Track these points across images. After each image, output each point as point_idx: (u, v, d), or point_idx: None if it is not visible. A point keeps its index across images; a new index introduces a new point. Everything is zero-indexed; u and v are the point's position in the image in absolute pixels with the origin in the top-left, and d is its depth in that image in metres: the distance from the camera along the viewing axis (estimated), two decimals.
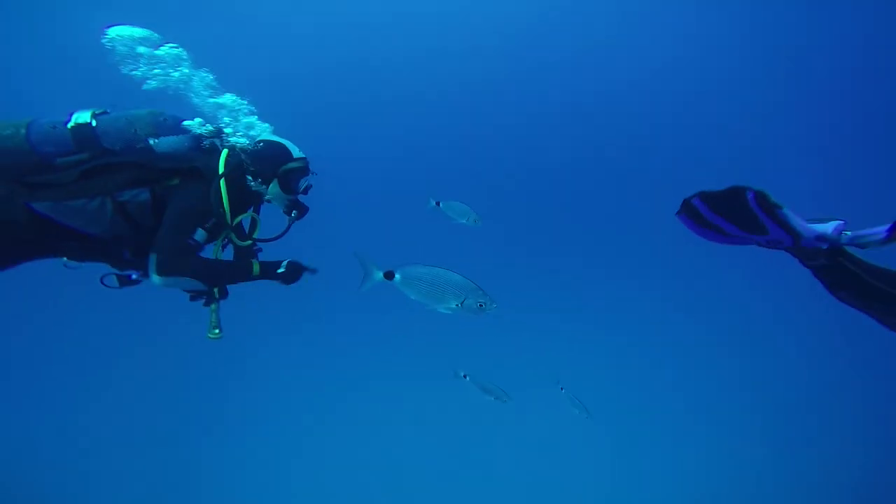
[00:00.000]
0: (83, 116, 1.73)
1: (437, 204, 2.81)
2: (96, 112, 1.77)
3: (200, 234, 1.81)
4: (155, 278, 1.72)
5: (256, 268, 1.90)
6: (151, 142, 1.76)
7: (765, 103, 9.54)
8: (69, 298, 7.00)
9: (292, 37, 8.92)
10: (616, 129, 9.89)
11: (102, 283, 1.92)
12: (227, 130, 1.96)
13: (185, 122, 1.88)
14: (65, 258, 1.87)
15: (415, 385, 6.67)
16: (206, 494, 5.37)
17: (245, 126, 2.00)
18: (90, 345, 7.19)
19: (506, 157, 9.96)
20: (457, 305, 1.66)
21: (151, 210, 1.79)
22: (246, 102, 2.01)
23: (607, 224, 9.71)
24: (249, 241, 2.03)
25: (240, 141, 1.97)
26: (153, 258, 1.71)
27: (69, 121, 1.72)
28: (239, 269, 1.91)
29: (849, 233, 1.09)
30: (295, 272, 1.96)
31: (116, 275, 1.95)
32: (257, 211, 2.08)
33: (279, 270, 1.93)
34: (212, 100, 1.95)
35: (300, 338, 7.85)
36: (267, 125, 2.05)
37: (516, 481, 5.51)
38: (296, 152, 2.02)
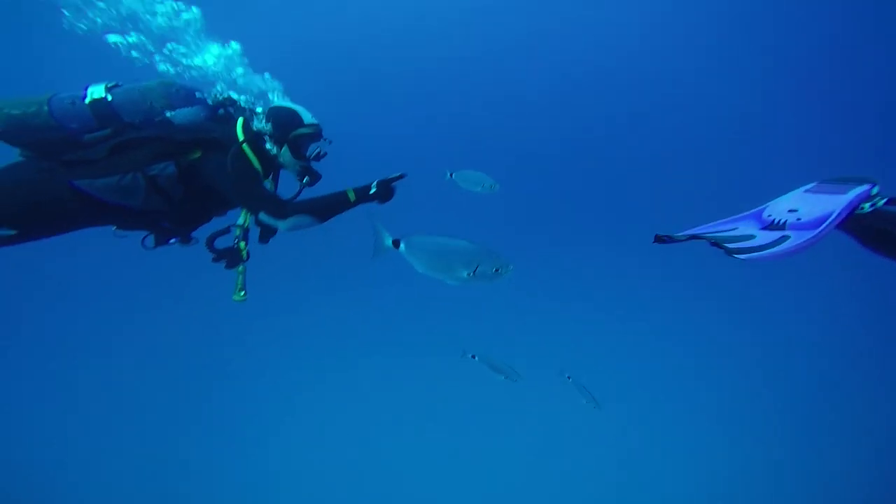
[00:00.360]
0: (98, 91, 1.79)
1: (451, 175, 2.69)
2: (108, 85, 1.81)
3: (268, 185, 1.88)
4: (281, 225, 1.82)
5: (352, 195, 1.93)
6: (168, 114, 1.83)
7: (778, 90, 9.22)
8: (67, 294, 7.09)
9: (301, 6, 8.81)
10: (634, 117, 9.66)
11: (143, 244, 2.01)
12: (238, 98, 1.99)
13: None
14: (114, 227, 1.95)
15: (417, 364, 6.66)
16: (203, 480, 5.44)
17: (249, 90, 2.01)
18: (86, 341, 7.14)
19: (517, 140, 9.76)
20: (468, 275, 1.54)
21: (179, 182, 1.84)
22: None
23: (623, 211, 9.49)
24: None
25: (249, 102, 1.99)
26: (263, 216, 1.82)
27: (85, 96, 1.78)
28: (339, 200, 1.93)
29: (867, 205, 1.05)
30: (388, 189, 1.96)
31: (155, 237, 2.04)
32: (276, 178, 2.12)
33: (372, 192, 1.94)
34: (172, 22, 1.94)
35: (297, 317, 7.80)
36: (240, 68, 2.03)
37: (521, 467, 5.51)
38: (307, 118, 1.99)
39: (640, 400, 6.36)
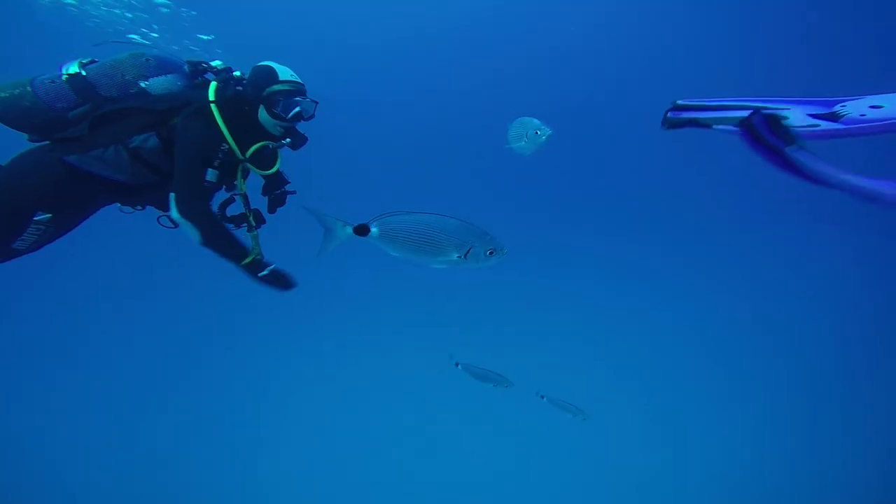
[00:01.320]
0: (72, 68, 1.79)
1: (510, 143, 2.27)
2: (84, 62, 1.82)
3: (211, 174, 1.82)
4: (175, 215, 1.78)
5: (249, 259, 1.87)
6: (143, 84, 1.80)
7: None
8: (65, 289, 6.96)
9: None
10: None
11: (159, 222, 2.00)
12: (214, 63, 1.95)
13: None
14: (118, 204, 1.97)
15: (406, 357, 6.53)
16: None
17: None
18: (60, 341, 7.11)
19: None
20: (459, 257, 1.36)
21: (164, 154, 1.84)
22: None
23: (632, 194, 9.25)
24: (274, 170, 2.01)
25: (225, 65, 1.95)
26: (173, 197, 1.78)
27: (62, 75, 1.78)
28: (236, 249, 1.86)
29: None
30: (275, 281, 1.90)
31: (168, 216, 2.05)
32: (271, 138, 2.03)
33: (261, 273, 1.88)
34: None
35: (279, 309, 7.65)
36: None
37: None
38: (284, 74, 1.90)
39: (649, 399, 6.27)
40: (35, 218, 1.77)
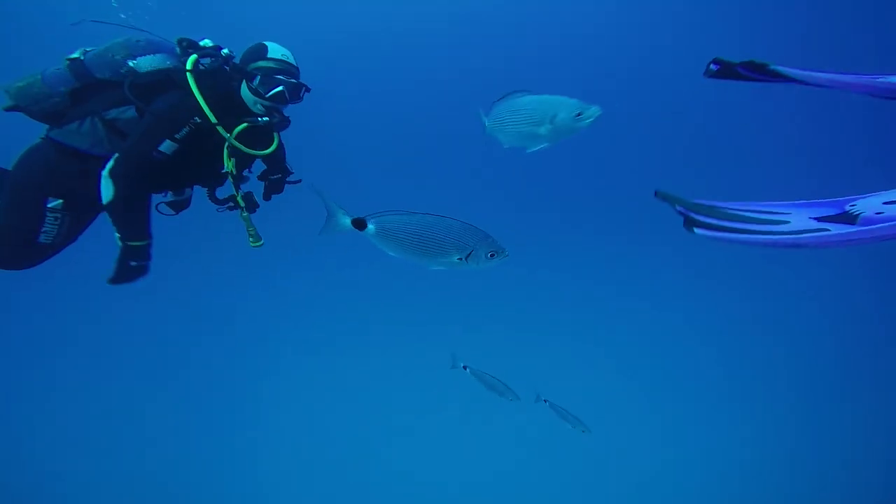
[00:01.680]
0: (74, 54, 1.90)
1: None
2: (87, 49, 1.91)
3: (167, 145, 1.78)
4: (104, 172, 1.73)
5: (135, 244, 1.82)
6: (131, 63, 1.86)
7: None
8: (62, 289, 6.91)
9: None
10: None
11: (157, 210, 2.01)
12: (203, 42, 1.96)
13: None
14: None
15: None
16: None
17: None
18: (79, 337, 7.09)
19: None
20: (459, 259, 1.32)
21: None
22: None
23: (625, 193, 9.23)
24: (268, 152, 1.96)
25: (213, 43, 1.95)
26: (114, 156, 1.75)
27: (65, 61, 1.90)
28: (136, 228, 1.83)
29: None
30: (129, 274, 1.87)
31: (166, 203, 2.10)
32: (250, 114, 1.99)
33: (132, 262, 1.84)
34: None
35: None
36: None
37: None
38: (274, 52, 1.87)
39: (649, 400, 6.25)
40: (48, 205, 1.83)
